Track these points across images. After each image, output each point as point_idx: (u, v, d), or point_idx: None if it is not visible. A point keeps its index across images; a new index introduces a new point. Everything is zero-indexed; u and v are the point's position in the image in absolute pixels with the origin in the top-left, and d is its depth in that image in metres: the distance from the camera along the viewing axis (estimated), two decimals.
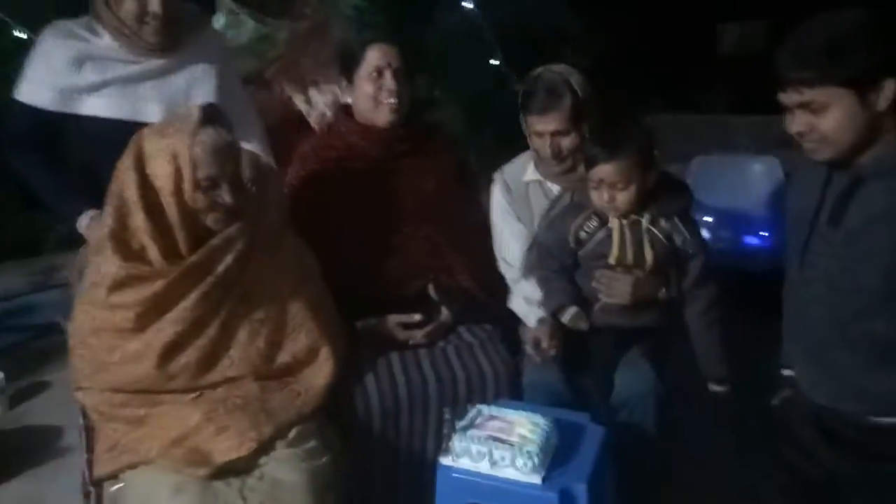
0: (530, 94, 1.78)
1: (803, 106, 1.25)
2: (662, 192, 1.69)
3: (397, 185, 1.81)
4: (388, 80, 1.75)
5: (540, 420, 1.41)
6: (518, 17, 3.39)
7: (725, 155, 4.01)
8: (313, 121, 2.12)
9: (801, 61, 1.22)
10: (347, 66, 1.81)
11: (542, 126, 1.75)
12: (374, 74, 1.75)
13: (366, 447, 1.56)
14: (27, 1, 3.03)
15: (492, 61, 3.11)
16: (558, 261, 1.73)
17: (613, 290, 1.66)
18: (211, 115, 1.46)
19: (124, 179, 1.39)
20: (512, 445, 1.32)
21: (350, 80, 1.80)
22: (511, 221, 1.88)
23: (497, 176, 1.95)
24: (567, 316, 1.68)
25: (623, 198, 1.63)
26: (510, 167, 1.95)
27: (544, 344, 1.66)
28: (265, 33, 2.12)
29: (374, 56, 1.75)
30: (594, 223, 1.68)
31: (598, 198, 1.65)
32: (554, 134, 1.75)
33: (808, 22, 1.25)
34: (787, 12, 1.35)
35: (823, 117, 1.24)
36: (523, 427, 1.39)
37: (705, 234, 3.49)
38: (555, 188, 1.85)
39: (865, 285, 1.25)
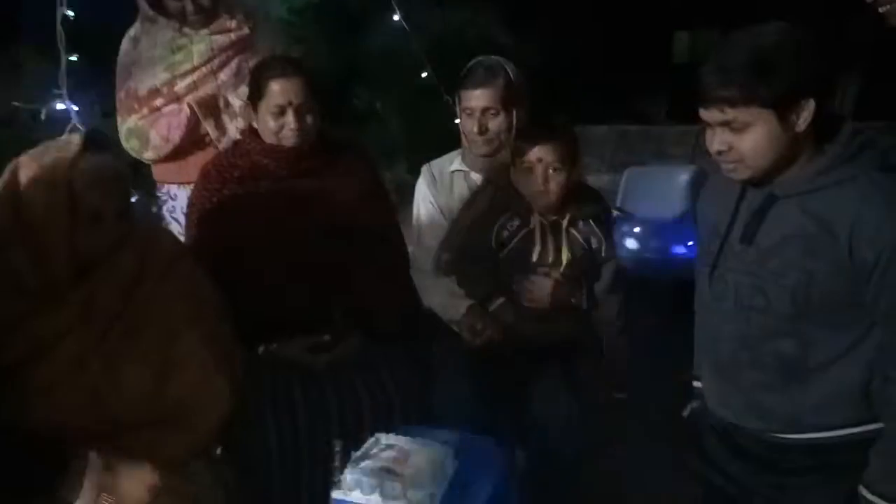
0: (468, 71, 1.88)
1: (724, 124, 1.22)
2: (580, 196, 1.78)
3: (304, 204, 1.77)
4: (290, 119, 1.72)
5: (437, 449, 1.39)
6: (446, 32, 3.41)
7: (657, 165, 4.12)
8: (222, 147, 2.05)
9: (725, 79, 1.19)
10: (251, 93, 1.77)
11: (475, 101, 1.83)
12: (276, 111, 1.72)
13: (265, 481, 1.53)
14: None
15: (423, 74, 3.10)
16: (480, 264, 1.78)
17: (534, 292, 1.73)
18: (94, 141, 1.40)
19: None
20: (402, 476, 1.30)
21: (255, 108, 1.76)
22: (432, 211, 1.95)
23: (424, 168, 2.03)
24: (495, 304, 1.74)
25: (555, 183, 1.69)
26: (438, 160, 2.04)
27: (479, 326, 1.71)
28: (181, 44, 2.07)
29: (275, 93, 1.71)
30: (516, 222, 1.74)
31: (532, 182, 1.70)
32: (484, 111, 1.82)
33: (732, 37, 1.23)
34: (742, 20, 1.32)
35: (743, 137, 1.21)
36: (419, 456, 1.37)
37: (634, 244, 3.58)
38: (479, 178, 1.91)
39: (774, 306, 1.25)
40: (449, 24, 3.56)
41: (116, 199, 1.38)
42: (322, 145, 1.84)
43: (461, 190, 1.92)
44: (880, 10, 1.44)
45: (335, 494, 1.34)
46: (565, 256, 1.72)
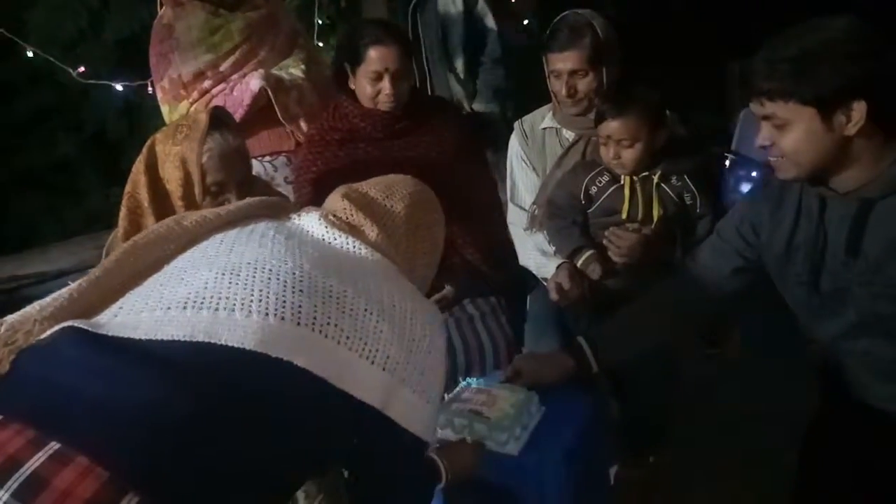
0: (553, 32, 1.84)
1: (766, 118, 1.21)
2: (675, 151, 1.74)
3: (400, 161, 1.86)
4: (386, 85, 1.82)
5: (523, 394, 1.51)
6: None
7: None
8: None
9: (768, 72, 1.17)
10: (349, 59, 1.87)
11: (561, 64, 1.81)
12: (373, 76, 1.82)
13: None
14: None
15: (524, 21, 3.08)
16: (570, 217, 1.81)
17: (623, 248, 1.72)
18: (218, 120, 1.57)
19: (137, 180, 1.51)
20: (489, 419, 1.43)
21: (353, 71, 1.87)
22: (525, 168, 1.97)
23: (517, 124, 2.04)
24: (582, 258, 1.76)
25: (629, 156, 1.70)
26: (530, 116, 2.03)
27: (566, 286, 1.73)
28: (217, 24, 2.11)
29: (372, 59, 1.81)
30: (605, 178, 1.76)
31: (605, 154, 1.73)
32: (571, 73, 1.80)
33: (791, 29, 1.19)
34: None
35: (784, 134, 1.19)
36: (506, 401, 1.49)
37: (749, 188, 3.40)
38: (570, 136, 1.92)
39: None
40: None
41: (238, 171, 1.55)
42: (416, 106, 1.93)
43: (553, 146, 1.93)
44: None
45: None
46: (656, 213, 1.71)
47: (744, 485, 2.06)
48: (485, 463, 1.41)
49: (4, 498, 0.74)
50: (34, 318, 0.96)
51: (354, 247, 1.13)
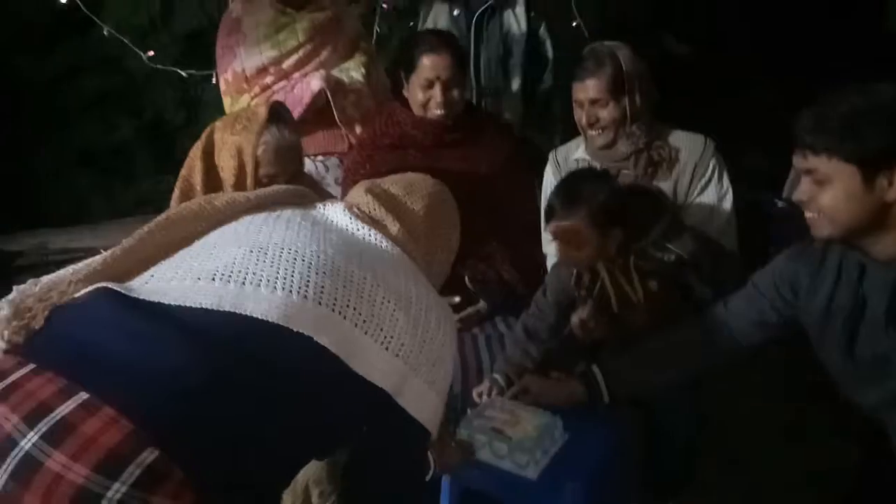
0: (578, 62, 1.84)
1: (808, 172, 1.21)
2: (641, 220, 1.63)
3: (447, 170, 1.86)
4: (437, 93, 1.86)
5: (548, 418, 1.49)
6: (609, 14, 3.34)
7: None
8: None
9: (815, 126, 1.18)
10: (404, 67, 1.91)
11: (582, 93, 1.82)
12: (425, 84, 1.85)
13: None
14: None
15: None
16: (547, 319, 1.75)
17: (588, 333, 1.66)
18: (277, 115, 1.62)
19: (193, 165, 1.57)
20: (511, 439, 1.42)
21: (407, 79, 1.90)
22: None
23: (551, 154, 2.03)
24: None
25: (582, 255, 1.62)
26: (564, 147, 2.03)
27: (590, 323, 1.69)
28: (284, 22, 2.16)
29: (425, 67, 1.85)
30: (586, 279, 1.68)
31: (559, 252, 1.67)
32: (592, 102, 1.80)
33: (844, 89, 1.20)
34: None
35: (824, 190, 1.19)
36: (529, 423, 1.48)
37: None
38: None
39: None
40: (611, 8, 3.47)
41: (290, 166, 1.59)
42: (469, 119, 1.95)
43: None
44: None
45: None
46: (639, 293, 1.61)
47: None
48: (501, 484, 1.41)
49: (34, 439, 0.78)
50: (69, 280, 1.00)
51: (376, 239, 1.17)
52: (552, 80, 2.64)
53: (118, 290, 0.97)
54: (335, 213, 1.21)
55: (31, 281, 0.98)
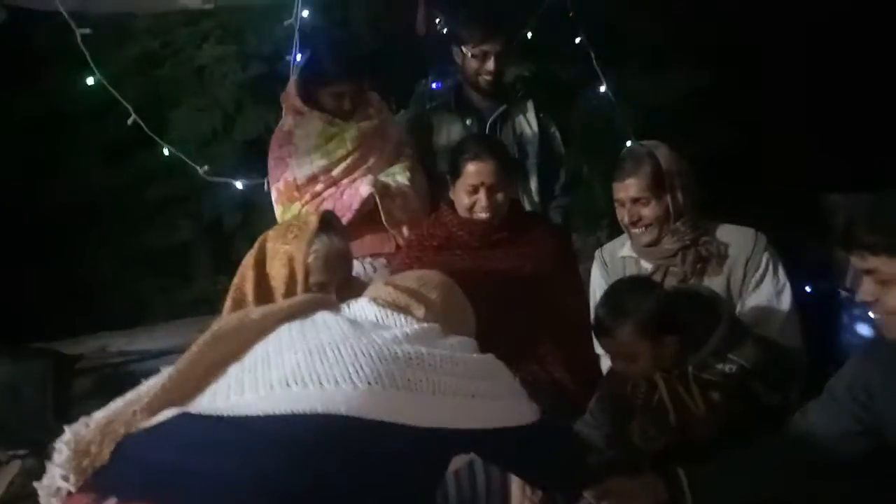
0: (617, 163, 1.86)
1: (869, 273, 1.17)
2: (697, 325, 1.56)
3: (494, 270, 1.91)
4: (482, 198, 1.90)
5: None
6: (652, 104, 3.40)
7: None
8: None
9: (873, 226, 1.15)
10: (450, 171, 1.96)
11: (623, 193, 1.83)
12: (470, 189, 1.90)
13: None
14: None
15: (627, 143, 3.13)
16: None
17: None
18: (327, 223, 1.66)
19: (245, 274, 1.60)
20: None
21: (453, 183, 1.95)
22: None
23: (597, 252, 2.03)
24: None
25: (637, 367, 1.56)
26: (610, 244, 2.02)
27: (651, 433, 1.59)
28: (332, 132, 2.26)
29: (470, 174, 1.90)
30: (643, 387, 1.61)
31: (616, 367, 1.62)
32: (634, 201, 1.81)
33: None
34: None
35: (889, 291, 1.15)
36: None
37: (868, 330, 3.11)
38: (648, 266, 1.88)
39: None
40: (655, 97, 3.54)
41: (340, 272, 1.62)
42: (513, 218, 1.98)
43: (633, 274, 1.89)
44: None
45: None
46: (700, 404, 1.52)
47: None
48: None
49: None
50: (132, 409, 1.02)
51: (407, 321, 1.24)
52: (565, 175, 2.66)
53: (196, 413, 0.99)
54: (363, 308, 1.27)
55: (82, 419, 1.01)
